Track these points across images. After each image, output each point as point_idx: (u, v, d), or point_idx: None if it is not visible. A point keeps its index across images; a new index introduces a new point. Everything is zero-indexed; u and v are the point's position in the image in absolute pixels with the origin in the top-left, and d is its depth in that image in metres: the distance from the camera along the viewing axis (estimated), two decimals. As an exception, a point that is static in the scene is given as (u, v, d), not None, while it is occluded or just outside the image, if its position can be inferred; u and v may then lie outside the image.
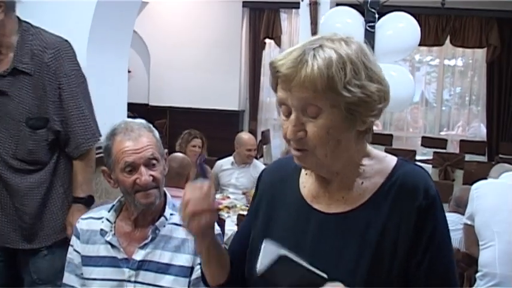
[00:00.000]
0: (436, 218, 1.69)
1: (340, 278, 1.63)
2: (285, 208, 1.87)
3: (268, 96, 12.64)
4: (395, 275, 1.66)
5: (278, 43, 12.33)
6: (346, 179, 1.75)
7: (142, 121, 2.65)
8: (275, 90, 1.71)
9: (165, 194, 2.64)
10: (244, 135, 7.23)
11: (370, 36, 6.09)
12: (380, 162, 1.78)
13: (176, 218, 2.57)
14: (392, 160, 1.78)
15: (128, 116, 3.03)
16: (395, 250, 1.66)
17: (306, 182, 1.86)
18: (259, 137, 11.14)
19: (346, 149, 1.69)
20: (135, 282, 2.53)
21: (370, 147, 1.80)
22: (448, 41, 11.59)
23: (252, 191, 6.30)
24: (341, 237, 1.72)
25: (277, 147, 10.94)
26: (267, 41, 12.58)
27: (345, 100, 1.59)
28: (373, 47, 5.92)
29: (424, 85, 12.62)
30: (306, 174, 1.87)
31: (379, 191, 1.72)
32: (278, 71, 1.63)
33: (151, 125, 2.64)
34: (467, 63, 12.35)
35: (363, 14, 6.33)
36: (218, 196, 6.70)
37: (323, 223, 1.76)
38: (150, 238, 2.54)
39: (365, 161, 1.77)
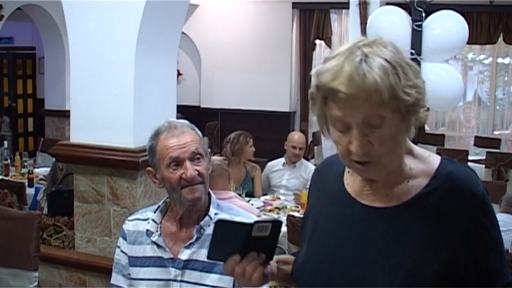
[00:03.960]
0: (486, 215, 1.69)
1: (380, 272, 1.67)
2: (331, 201, 1.90)
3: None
4: (435, 274, 1.65)
5: (328, 44, 12.28)
6: (392, 177, 1.75)
7: (185, 121, 2.68)
8: (319, 108, 1.69)
9: (209, 194, 2.65)
10: (295, 134, 7.31)
11: (417, 35, 6.07)
12: (424, 161, 1.77)
13: (220, 217, 2.58)
14: (436, 160, 1.78)
15: (177, 118, 3.04)
16: (438, 252, 1.65)
17: (349, 180, 1.87)
18: (310, 138, 11.10)
19: (403, 149, 1.71)
20: (181, 281, 2.55)
21: (412, 145, 1.79)
22: (501, 39, 11.38)
23: (302, 193, 6.33)
24: (386, 231, 1.73)
25: (329, 148, 10.85)
26: (317, 41, 12.55)
27: (405, 103, 1.59)
28: (420, 46, 6.01)
29: (477, 84, 12.45)
30: (348, 172, 1.88)
31: (423, 191, 1.71)
32: (339, 91, 1.57)
33: (193, 125, 2.66)
34: (520, 61, 12.16)
35: (410, 13, 6.32)
36: (268, 197, 6.73)
37: (369, 216, 1.77)
38: (195, 237, 2.56)
39: (409, 159, 1.76)
